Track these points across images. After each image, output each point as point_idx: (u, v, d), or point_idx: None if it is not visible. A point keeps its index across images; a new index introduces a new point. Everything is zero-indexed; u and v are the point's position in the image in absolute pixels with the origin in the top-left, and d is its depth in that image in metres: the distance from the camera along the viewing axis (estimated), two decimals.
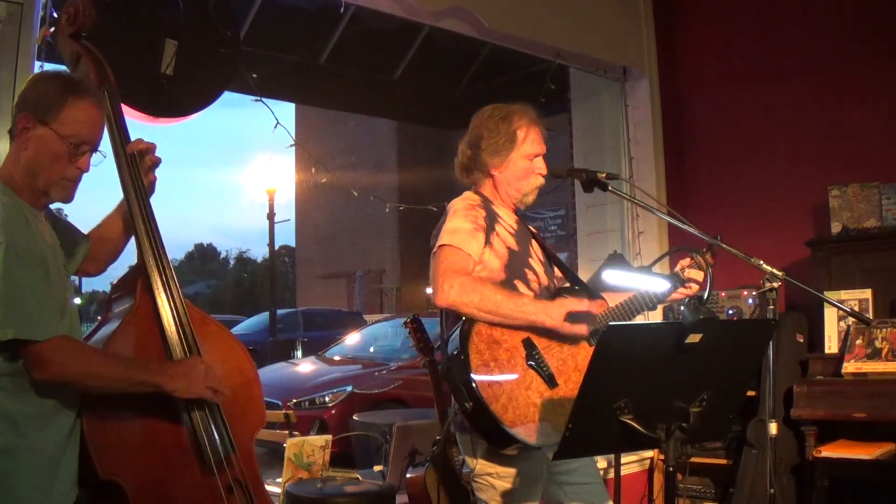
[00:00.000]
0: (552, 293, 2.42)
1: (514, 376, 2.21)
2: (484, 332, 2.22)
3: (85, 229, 2.17)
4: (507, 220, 2.47)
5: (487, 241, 2.35)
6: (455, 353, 2.21)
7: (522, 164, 2.46)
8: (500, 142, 2.45)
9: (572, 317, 2.24)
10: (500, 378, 2.19)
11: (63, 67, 2.22)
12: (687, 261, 2.49)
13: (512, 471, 2.29)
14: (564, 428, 1.78)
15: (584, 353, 2.32)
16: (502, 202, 2.51)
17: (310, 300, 21.57)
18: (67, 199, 1.95)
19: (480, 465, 2.30)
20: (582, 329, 2.26)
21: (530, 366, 2.24)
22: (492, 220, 2.40)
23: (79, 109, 1.89)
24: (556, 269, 2.60)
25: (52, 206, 2.04)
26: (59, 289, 1.90)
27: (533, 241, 2.55)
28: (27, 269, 1.77)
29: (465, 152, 2.52)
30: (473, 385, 2.14)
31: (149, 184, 2.14)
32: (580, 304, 2.26)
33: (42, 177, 1.89)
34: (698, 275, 2.44)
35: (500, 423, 2.13)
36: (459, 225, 2.34)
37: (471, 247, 2.31)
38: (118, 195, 2.12)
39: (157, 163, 2.14)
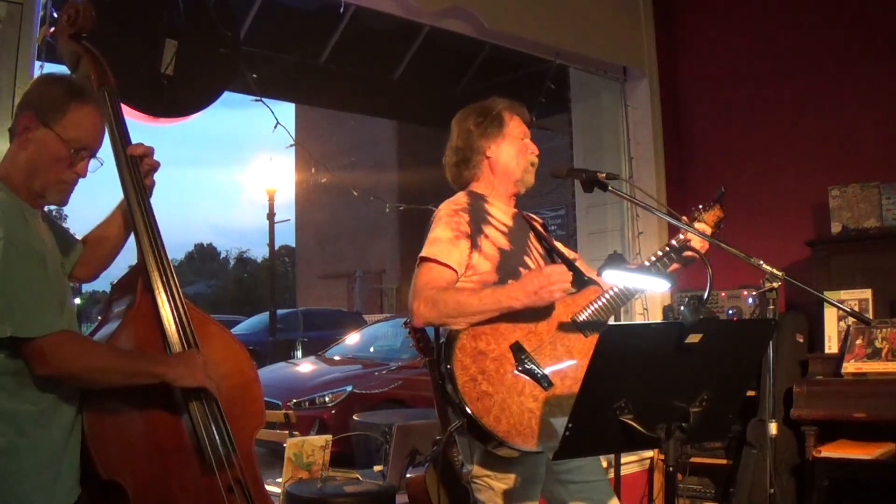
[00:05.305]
0: None
1: (502, 386, 2.18)
2: (468, 346, 2.20)
3: (84, 230, 2.16)
4: (501, 217, 2.44)
5: (475, 245, 2.32)
6: (443, 369, 2.20)
7: (516, 140, 2.51)
8: (490, 124, 2.50)
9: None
10: (488, 390, 2.16)
11: (64, 68, 2.21)
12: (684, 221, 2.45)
13: (509, 473, 2.28)
14: (564, 427, 1.78)
15: (580, 346, 2.29)
16: (501, 191, 2.50)
17: (310, 300, 21.57)
18: (62, 202, 1.96)
19: (477, 469, 2.30)
20: (550, 291, 2.14)
21: (521, 372, 2.21)
22: (479, 221, 2.36)
23: (82, 114, 1.90)
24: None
25: (49, 208, 2.04)
26: (59, 287, 1.90)
27: (531, 236, 2.53)
28: (26, 265, 1.77)
29: (456, 149, 2.54)
30: (462, 402, 2.14)
31: (147, 187, 2.13)
32: (539, 274, 2.17)
33: (40, 178, 1.89)
34: (703, 227, 2.41)
35: (494, 435, 2.13)
36: (440, 234, 2.32)
37: (451, 257, 2.28)
38: (118, 196, 2.12)
39: (155, 167, 2.13)
